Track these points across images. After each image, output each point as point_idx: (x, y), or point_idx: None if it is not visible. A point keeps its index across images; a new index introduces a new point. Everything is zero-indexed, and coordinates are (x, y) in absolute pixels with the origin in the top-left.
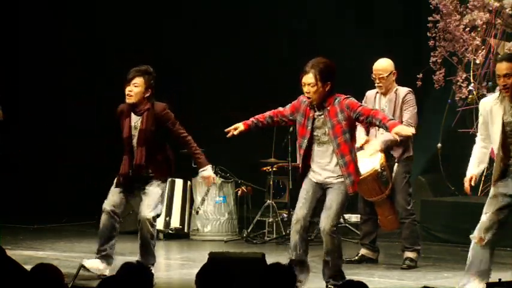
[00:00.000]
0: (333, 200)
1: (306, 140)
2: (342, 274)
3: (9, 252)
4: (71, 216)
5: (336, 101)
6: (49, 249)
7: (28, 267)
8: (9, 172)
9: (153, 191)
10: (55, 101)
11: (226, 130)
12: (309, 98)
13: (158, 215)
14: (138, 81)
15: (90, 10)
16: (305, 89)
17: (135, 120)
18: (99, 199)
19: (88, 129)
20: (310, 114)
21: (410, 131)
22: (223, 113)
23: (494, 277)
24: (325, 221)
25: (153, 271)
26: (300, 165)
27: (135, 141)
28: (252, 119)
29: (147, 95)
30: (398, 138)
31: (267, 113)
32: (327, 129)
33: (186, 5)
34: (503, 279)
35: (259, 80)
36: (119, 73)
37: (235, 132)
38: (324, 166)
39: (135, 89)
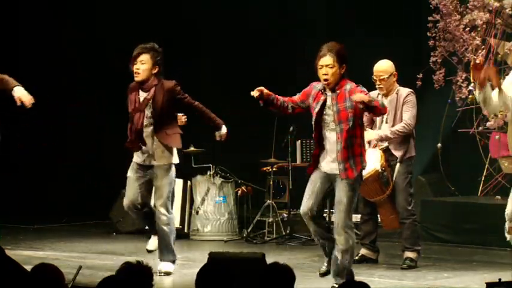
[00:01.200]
0: (341, 193)
1: (316, 125)
2: (350, 274)
3: (9, 252)
4: (71, 216)
5: (348, 86)
6: (49, 249)
7: (28, 267)
8: (9, 172)
9: (162, 181)
10: (55, 101)
11: (254, 91)
12: (326, 80)
13: (171, 200)
14: (145, 58)
15: (90, 10)
16: (322, 71)
17: (143, 96)
18: (99, 199)
19: (88, 129)
20: (321, 98)
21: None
22: (223, 113)
23: (494, 277)
24: (337, 216)
25: (171, 269)
26: (313, 152)
27: (141, 116)
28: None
29: (155, 71)
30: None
31: (281, 98)
32: (333, 114)
33: (186, 5)
34: (503, 279)
35: (260, 80)
36: (119, 73)
37: (263, 90)
38: (331, 154)
39: (142, 66)
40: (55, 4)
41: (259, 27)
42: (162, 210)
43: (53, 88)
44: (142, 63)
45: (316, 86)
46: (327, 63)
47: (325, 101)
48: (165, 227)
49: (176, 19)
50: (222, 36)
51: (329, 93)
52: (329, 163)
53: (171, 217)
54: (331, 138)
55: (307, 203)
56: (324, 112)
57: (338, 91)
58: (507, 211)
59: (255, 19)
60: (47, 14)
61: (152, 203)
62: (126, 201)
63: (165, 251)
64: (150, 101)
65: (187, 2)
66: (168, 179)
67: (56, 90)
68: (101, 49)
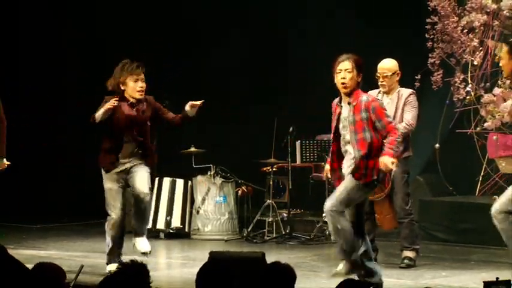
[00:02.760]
0: (343, 183)
1: (333, 136)
2: (352, 261)
3: (12, 252)
4: (72, 216)
5: (364, 98)
6: (52, 249)
7: (31, 266)
8: (12, 172)
9: (142, 169)
10: (55, 101)
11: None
12: (344, 83)
13: (151, 188)
14: (143, 76)
15: (90, 10)
16: (341, 75)
17: (130, 111)
18: (100, 199)
19: (88, 129)
20: (338, 110)
21: (389, 166)
22: (223, 114)
23: (491, 276)
24: (328, 200)
25: (148, 247)
26: (330, 163)
27: (134, 131)
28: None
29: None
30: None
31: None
32: (349, 125)
33: (186, 5)
34: (500, 278)
35: (261, 80)
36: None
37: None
38: (349, 164)
39: (143, 84)
40: (55, 4)
41: (259, 28)
42: (147, 189)
43: (53, 88)
44: (143, 81)
45: (335, 102)
46: (345, 68)
47: (340, 114)
48: (147, 206)
49: (176, 19)
50: (222, 36)
51: (345, 106)
52: (347, 168)
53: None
54: (349, 149)
55: (327, 202)
56: (341, 125)
57: (354, 103)
58: (492, 209)
59: (255, 19)
60: (47, 14)
61: None
62: (118, 213)
63: (142, 225)
64: (142, 117)
65: (188, 2)
66: (148, 170)
67: (56, 90)
68: (101, 49)
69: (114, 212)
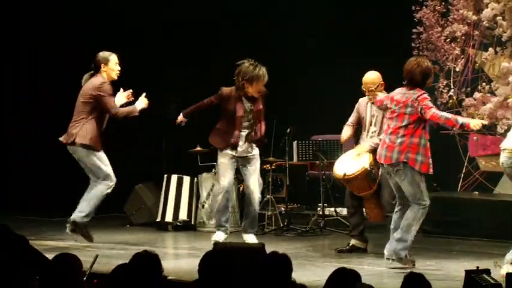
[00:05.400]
0: None
1: None
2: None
3: (32, 243)
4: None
5: None
6: (69, 240)
7: (50, 256)
8: (31, 168)
9: (258, 168)
10: (71, 95)
11: None
12: None
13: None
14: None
15: (90, 10)
16: None
17: (248, 105)
18: (114, 194)
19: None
20: None
21: None
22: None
23: (472, 265)
24: None
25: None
26: None
27: (246, 120)
28: None
29: None
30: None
31: None
32: None
33: (189, 6)
34: (480, 267)
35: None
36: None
37: None
38: None
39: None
40: (55, 4)
41: (258, 28)
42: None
43: (67, 83)
44: None
45: None
46: None
47: None
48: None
49: (179, 19)
50: (221, 37)
51: None
52: None
53: None
54: None
55: None
56: None
57: None
58: None
59: (254, 19)
60: (47, 14)
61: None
62: (226, 182)
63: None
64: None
65: (191, 3)
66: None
67: (68, 86)
68: (101, 49)
69: (223, 180)
